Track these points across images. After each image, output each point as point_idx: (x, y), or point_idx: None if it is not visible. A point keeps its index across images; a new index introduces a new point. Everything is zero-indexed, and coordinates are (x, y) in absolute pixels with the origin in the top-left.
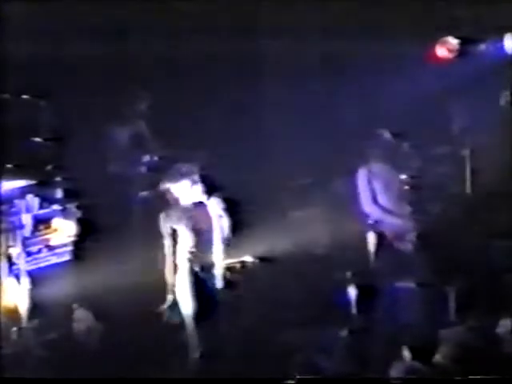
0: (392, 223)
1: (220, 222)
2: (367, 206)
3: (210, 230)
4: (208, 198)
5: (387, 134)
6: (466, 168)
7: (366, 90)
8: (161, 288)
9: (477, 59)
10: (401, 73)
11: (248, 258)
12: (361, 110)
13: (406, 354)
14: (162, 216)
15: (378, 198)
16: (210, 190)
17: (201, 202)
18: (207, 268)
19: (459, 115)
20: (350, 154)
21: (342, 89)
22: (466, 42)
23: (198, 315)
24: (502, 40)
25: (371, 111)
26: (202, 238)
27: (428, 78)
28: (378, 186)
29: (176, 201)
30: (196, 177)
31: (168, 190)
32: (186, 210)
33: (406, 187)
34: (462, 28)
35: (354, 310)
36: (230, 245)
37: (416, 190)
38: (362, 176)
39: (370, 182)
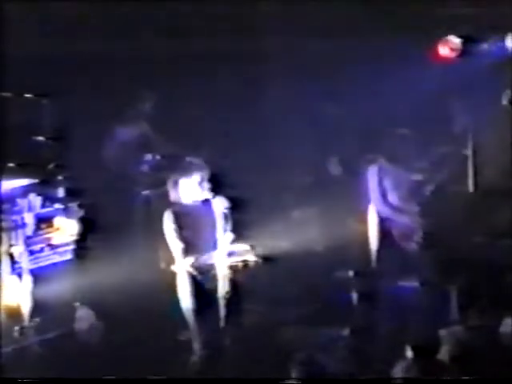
0: (401, 222)
1: (224, 221)
2: (377, 203)
3: (211, 229)
4: (213, 197)
5: (399, 131)
6: (468, 167)
7: (368, 89)
8: (162, 287)
9: (479, 58)
10: (403, 72)
11: (250, 257)
12: (363, 110)
13: (409, 353)
14: (167, 215)
15: (388, 196)
16: (215, 189)
17: (204, 201)
18: (208, 267)
19: (462, 114)
20: (353, 153)
21: (345, 88)
22: (468, 41)
23: (199, 315)
24: (504, 39)
25: (374, 111)
26: (204, 237)
27: (431, 77)
28: (388, 184)
29: (178, 199)
30: (206, 172)
31: (173, 187)
32: (188, 208)
33: (414, 186)
34: (465, 27)
35: (355, 309)
36: (232, 244)
37: (423, 188)
38: (372, 174)
39: (380, 180)
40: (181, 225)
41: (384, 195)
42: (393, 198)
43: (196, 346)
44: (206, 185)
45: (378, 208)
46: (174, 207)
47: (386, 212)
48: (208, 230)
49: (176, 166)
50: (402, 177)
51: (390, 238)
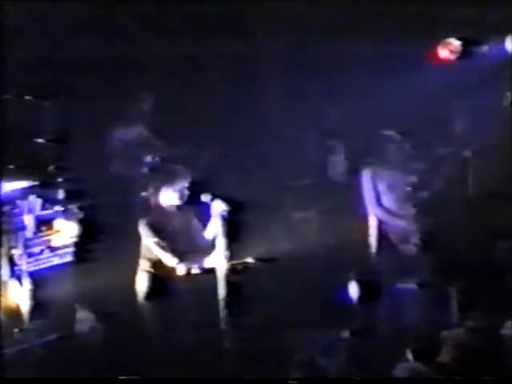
0: (396, 225)
1: (222, 223)
2: (371, 207)
3: (199, 233)
4: (211, 200)
5: (393, 134)
6: (468, 169)
7: (367, 91)
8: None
9: (479, 60)
10: (403, 74)
11: (250, 259)
12: (363, 111)
13: (409, 355)
14: (142, 223)
15: (382, 199)
16: (215, 191)
17: (192, 205)
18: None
19: (461, 116)
20: (353, 155)
21: (344, 90)
22: (468, 43)
23: (198, 316)
24: (504, 41)
25: (373, 112)
26: (193, 241)
27: (430, 80)
28: (382, 187)
29: (159, 206)
30: (188, 180)
31: (154, 193)
32: (170, 214)
33: (410, 188)
34: (465, 29)
35: (355, 311)
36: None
37: (419, 191)
38: (366, 177)
39: (374, 183)
40: (162, 231)
41: (378, 199)
42: (388, 201)
43: (196, 346)
44: (187, 192)
45: (372, 211)
46: (152, 215)
47: (381, 215)
48: (196, 234)
49: (158, 174)
50: (398, 180)
51: (388, 241)
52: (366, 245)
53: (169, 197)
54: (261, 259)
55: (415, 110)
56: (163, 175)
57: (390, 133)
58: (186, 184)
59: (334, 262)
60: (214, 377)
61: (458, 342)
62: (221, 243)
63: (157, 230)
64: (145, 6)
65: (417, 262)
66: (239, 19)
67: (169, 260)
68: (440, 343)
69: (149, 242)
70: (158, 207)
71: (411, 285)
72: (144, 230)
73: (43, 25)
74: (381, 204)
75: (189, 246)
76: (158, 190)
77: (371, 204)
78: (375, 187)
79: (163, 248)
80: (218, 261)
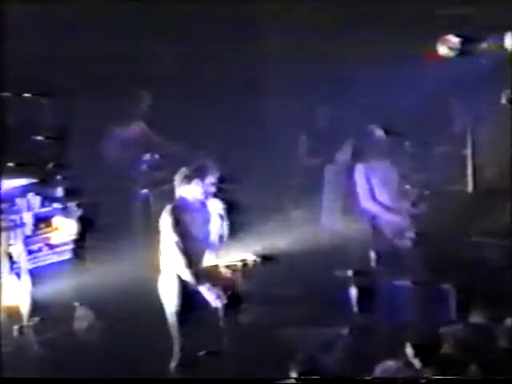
0: (391, 220)
1: (221, 222)
2: (366, 202)
3: (207, 230)
4: (206, 198)
5: (378, 131)
6: (467, 167)
7: (366, 88)
8: None
9: (478, 57)
10: (401, 71)
11: (249, 257)
12: (361, 108)
13: (408, 352)
14: (169, 209)
15: (376, 194)
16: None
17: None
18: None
19: (460, 114)
20: (352, 154)
21: (343, 88)
22: (467, 40)
23: (198, 315)
24: (503, 38)
25: (372, 109)
26: (200, 238)
27: (429, 77)
28: (376, 182)
29: (183, 196)
30: (216, 177)
31: (184, 183)
32: (190, 207)
33: (406, 185)
34: (464, 26)
35: (355, 309)
36: (226, 245)
37: (416, 188)
38: (360, 172)
39: (368, 178)
40: (181, 223)
41: (372, 193)
42: (382, 195)
43: (195, 346)
44: (212, 189)
45: (367, 206)
46: (177, 203)
47: (375, 209)
48: (204, 231)
49: (193, 164)
50: (392, 175)
51: (385, 237)
52: (364, 241)
53: (194, 190)
54: (260, 256)
55: (413, 107)
56: (194, 169)
57: (373, 127)
58: (213, 180)
59: (332, 259)
60: (214, 377)
61: (456, 339)
62: (220, 241)
63: (178, 221)
64: (145, 5)
65: (414, 259)
66: (240, 19)
67: (181, 267)
68: (438, 340)
69: (169, 238)
70: (182, 199)
71: (410, 281)
72: (168, 219)
73: (42, 23)
74: (375, 199)
75: (200, 247)
76: (187, 181)
77: (365, 198)
78: (369, 181)
79: (181, 251)
80: (217, 259)
